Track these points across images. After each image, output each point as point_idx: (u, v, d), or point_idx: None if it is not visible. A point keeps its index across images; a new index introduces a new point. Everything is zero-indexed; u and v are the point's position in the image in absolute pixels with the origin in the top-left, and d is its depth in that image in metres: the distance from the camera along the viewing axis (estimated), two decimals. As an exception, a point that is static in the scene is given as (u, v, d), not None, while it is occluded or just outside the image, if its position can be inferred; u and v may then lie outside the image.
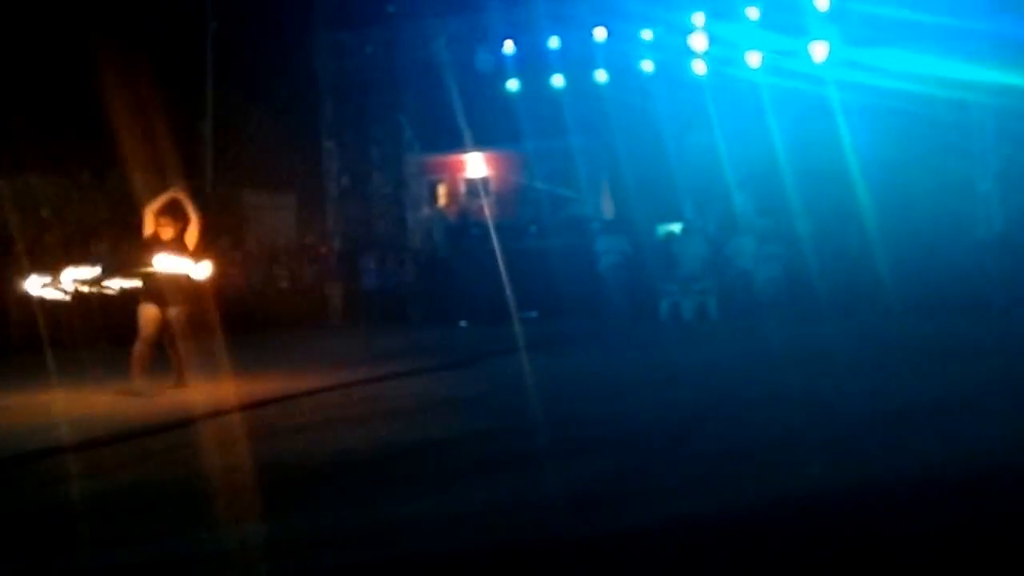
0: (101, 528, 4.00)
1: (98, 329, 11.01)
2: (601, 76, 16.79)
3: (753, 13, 15.21)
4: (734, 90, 15.57)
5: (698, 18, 15.56)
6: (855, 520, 3.70)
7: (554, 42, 16.72)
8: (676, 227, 16.61)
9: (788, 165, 14.68)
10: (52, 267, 8.24)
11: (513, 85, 17.30)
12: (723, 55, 15.57)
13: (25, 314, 12.58)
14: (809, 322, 12.50)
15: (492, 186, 19.69)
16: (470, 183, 19.73)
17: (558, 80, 17.06)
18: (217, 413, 6.88)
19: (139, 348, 7.92)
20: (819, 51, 14.69)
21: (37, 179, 14.84)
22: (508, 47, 16.99)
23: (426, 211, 19.39)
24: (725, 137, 15.81)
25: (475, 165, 19.71)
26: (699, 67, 15.88)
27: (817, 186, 14.44)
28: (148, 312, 7.93)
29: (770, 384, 7.38)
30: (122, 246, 12.15)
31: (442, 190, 20.00)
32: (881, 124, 14.08)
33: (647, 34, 16.07)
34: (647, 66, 16.39)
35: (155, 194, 8.34)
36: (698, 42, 15.55)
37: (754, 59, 15.24)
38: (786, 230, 14.73)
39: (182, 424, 6.48)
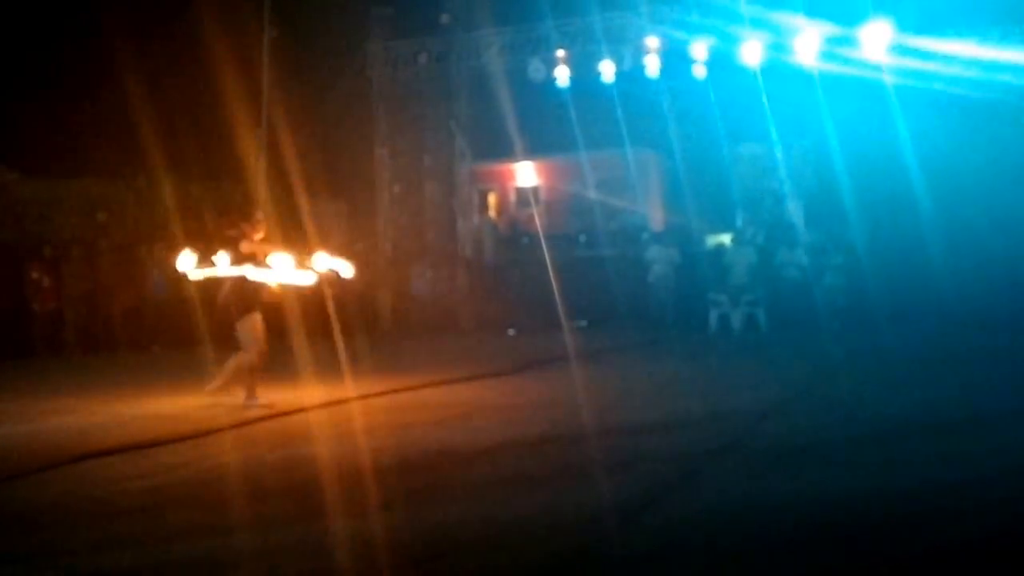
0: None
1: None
2: (653, 76, 16.67)
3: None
4: (785, 98, 15.35)
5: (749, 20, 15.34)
6: (906, 526, 3.72)
7: (606, 51, 16.68)
8: (726, 238, 16.45)
9: (843, 173, 14.46)
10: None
11: (565, 94, 17.29)
12: (775, 51, 15.30)
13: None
14: (863, 332, 12.29)
15: (542, 195, 19.71)
16: (521, 192, 19.77)
17: (610, 89, 17.00)
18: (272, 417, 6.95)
19: (255, 360, 7.54)
20: (874, 40, 14.25)
21: (93, 182, 15.16)
22: (561, 56, 17.01)
23: (476, 220, 19.46)
24: (778, 147, 15.64)
25: (526, 174, 19.75)
26: (750, 60, 15.56)
27: (872, 193, 14.19)
28: (259, 323, 7.61)
29: (820, 394, 7.32)
30: (178, 250, 12.33)
31: (493, 199, 20.07)
32: (939, 117, 13.71)
33: (700, 45, 15.95)
34: (699, 72, 16.26)
35: (211, 200, 8.34)
36: (750, 48, 15.35)
37: (807, 52, 14.86)
38: (840, 239, 14.50)
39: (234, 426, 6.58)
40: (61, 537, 4.05)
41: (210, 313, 7.81)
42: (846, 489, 4.28)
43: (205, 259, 7.58)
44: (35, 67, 15.85)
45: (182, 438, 6.19)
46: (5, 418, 7.35)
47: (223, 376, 7.65)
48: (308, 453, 5.70)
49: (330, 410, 7.32)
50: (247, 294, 7.52)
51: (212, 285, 7.77)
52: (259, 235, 7.66)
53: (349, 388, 8.24)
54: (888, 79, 14.03)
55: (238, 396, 7.57)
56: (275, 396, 7.73)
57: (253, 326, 7.50)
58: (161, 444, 6.00)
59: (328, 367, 9.15)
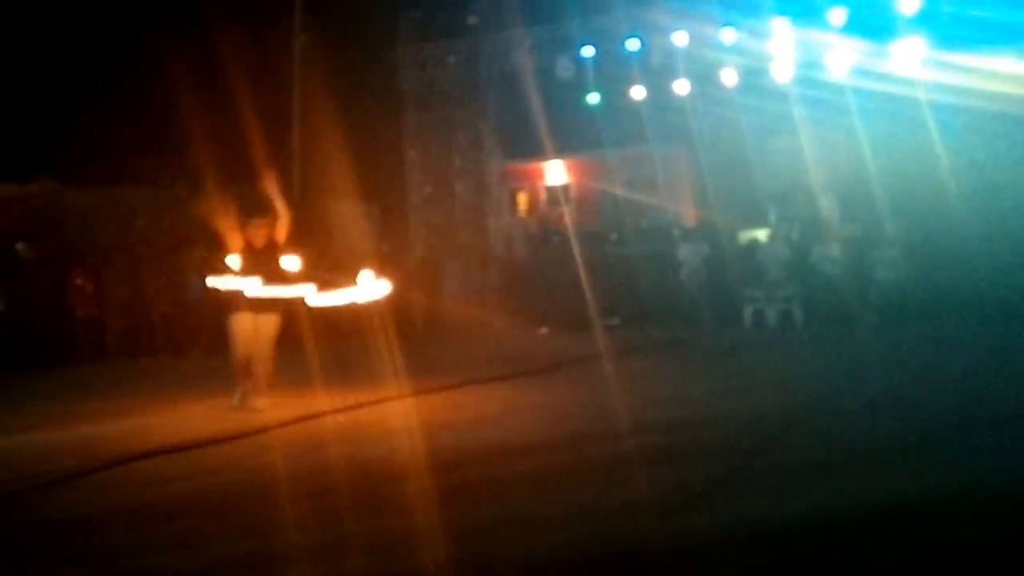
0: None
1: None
2: (682, 82, 16.70)
3: (838, 17, 14.92)
4: (820, 94, 15.29)
5: (780, 23, 15.33)
6: (940, 527, 3.71)
7: (635, 48, 16.69)
8: (759, 234, 16.35)
9: (876, 169, 14.35)
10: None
11: (593, 94, 17.33)
12: (806, 59, 15.31)
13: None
14: (901, 327, 12.18)
15: (572, 193, 19.74)
16: (551, 190, 19.82)
17: (639, 87, 17.01)
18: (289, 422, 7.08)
19: (235, 362, 7.75)
20: (907, 53, 14.30)
21: (133, 190, 15.46)
22: (588, 54, 17.03)
23: (507, 218, 19.53)
24: (810, 142, 15.53)
25: (556, 172, 19.79)
26: (782, 71, 15.63)
27: (906, 189, 14.08)
28: (238, 326, 7.73)
29: (858, 392, 7.26)
30: (214, 256, 12.54)
31: (523, 198, 20.14)
32: (970, 126, 13.64)
33: (729, 39, 15.92)
34: (729, 72, 16.23)
35: (245, 204, 8.33)
36: (780, 46, 15.32)
37: (840, 63, 14.92)
38: (876, 234, 14.39)
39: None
40: (108, 539, 4.14)
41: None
42: (883, 493, 4.24)
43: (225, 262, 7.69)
44: (76, 81, 16.20)
45: (225, 439, 6.31)
46: (52, 422, 7.53)
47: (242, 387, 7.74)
48: (346, 453, 5.78)
49: (366, 411, 7.40)
50: (226, 296, 7.63)
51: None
52: (264, 236, 7.71)
53: (384, 389, 8.32)
54: (922, 94, 13.99)
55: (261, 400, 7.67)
56: (310, 398, 7.85)
57: (231, 329, 7.65)
58: (204, 446, 6.11)
59: (363, 368, 9.27)
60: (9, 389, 10.35)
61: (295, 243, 7.94)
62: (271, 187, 7.88)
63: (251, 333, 7.61)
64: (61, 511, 4.68)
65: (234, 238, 7.78)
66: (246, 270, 7.59)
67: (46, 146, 15.01)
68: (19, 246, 13.23)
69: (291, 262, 7.75)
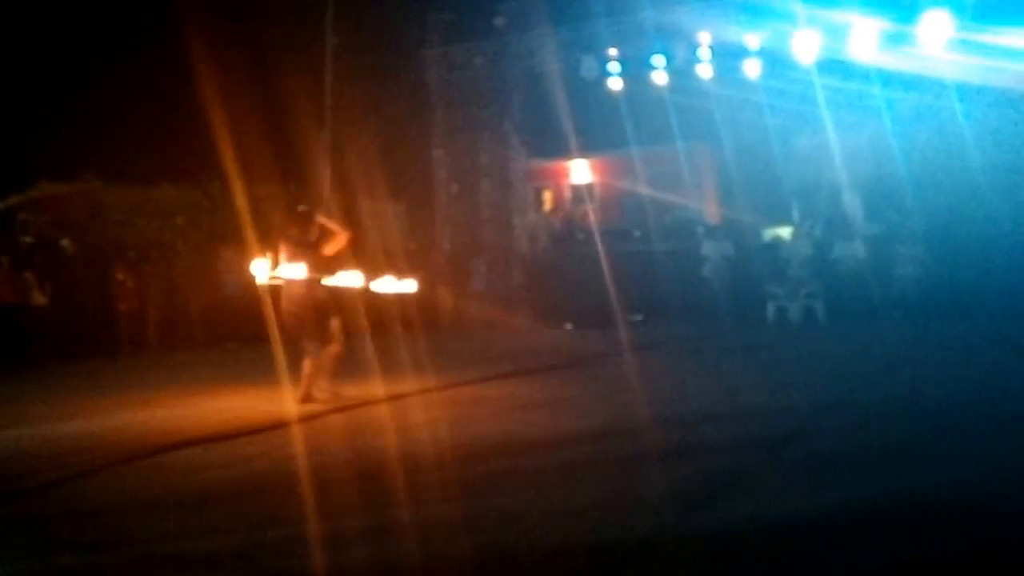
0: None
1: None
2: (706, 77, 16.78)
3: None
4: (845, 85, 15.28)
5: (802, 15, 15.29)
6: (967, 522, 3.68)
7: (659, 47, 16.83)
8: (784, 231, 16.46)
9: (901, 166, 14.38)
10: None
11: (617, 90, 17.48)
12: (830, 47, 15.20)
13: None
14: (925, 323, 12.18)
15: (597, 191, 19.92)
16: (575, 189, 20.01)
17: (662, 85, 17.15)
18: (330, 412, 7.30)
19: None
20: (932, 32, 13.95)
21: (172, 188, 15.89)
22: (613, 54, 17.19)
23: (532, 216, 19.76)
24: (834, 138, 15.58)
25: (580, 171, 19.97)
26: (805, 57, 15.53)
27: (931, 186, 14.09)
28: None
29: (879, 388, 7.23)
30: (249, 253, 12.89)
31: (547, 196, 20.35)
32: (998, 111, 13.55)
33: (752, 37, 15.99)
34: (753, 67, 16.30)
35: (280, 202, 8.50)
36: (804, 43, 15.32)
37: (864, 48, 14.76)
38: (900, 231, 14.45)
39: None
40: (145, 525, 4.20)
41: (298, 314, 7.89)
42: (906, 487, 4.20)
43: (273, 260, 7.77)
44: (117, 81, 16.63)
45: (258, 430, 6.43)
46: (93, 412, 7.65)
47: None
48: (375, 444, 5.87)
49: (395, 404, 7.51)
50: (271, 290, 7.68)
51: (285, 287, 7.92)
52: (315, 233, 7.80)
53: (412, 383, 8.45)
54: (948, 72, 13.86)
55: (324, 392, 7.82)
56: (340, 390, 7.96)
57: (285, 321, 7.73)
58: (239, 436, 6.23)
59: (391, 362, 9.46)
60: (51, 380, 10.72)
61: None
62: (325, 217, 7.97)
63: (304, 324, 7.74)
64: (97, 499, 4.74)
65: (280, 236, 7.90)
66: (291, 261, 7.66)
67: (88, 145, 15.45)
68: (63, 242, 13.70)
69: (336, 259, 7.87)
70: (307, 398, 7.65)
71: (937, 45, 13.93)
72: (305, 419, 6.92)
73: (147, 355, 13.17)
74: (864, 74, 14.82)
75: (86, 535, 4.10)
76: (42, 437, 6.63)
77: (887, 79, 14.65)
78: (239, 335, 13.37)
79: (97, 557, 3.75)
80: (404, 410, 7.25)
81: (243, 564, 3.59)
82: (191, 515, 4.35)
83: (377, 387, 8.18)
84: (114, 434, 6.55)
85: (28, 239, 13.59)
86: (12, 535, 4.23)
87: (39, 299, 12.63)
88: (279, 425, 6.67)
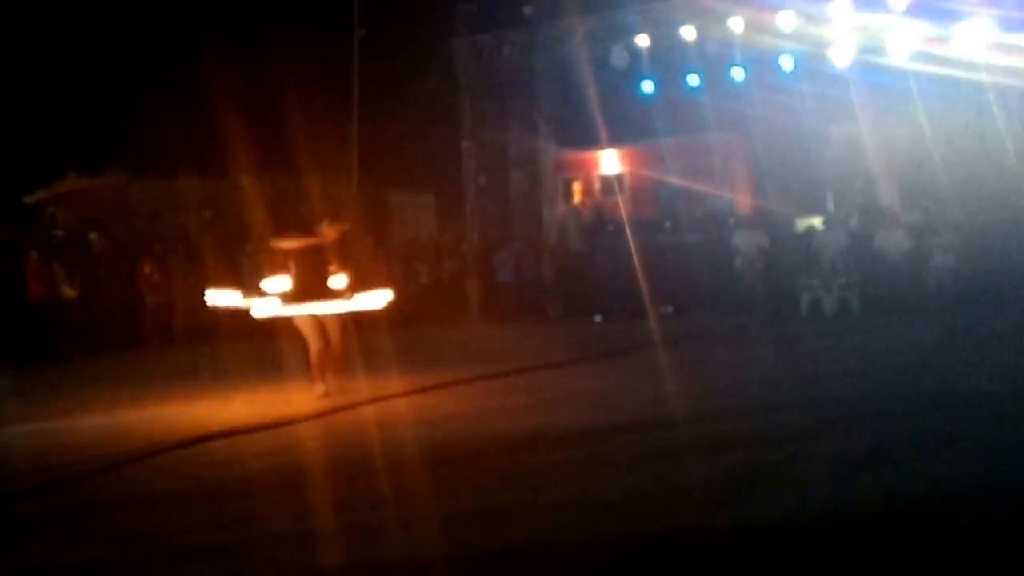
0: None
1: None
2: (738, 69, 16.57)
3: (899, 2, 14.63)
4: (880, 79, 15.04)
5: (840, 5, 15.09)
6: (991, 518, 3.65)
7: (690, 35, 16.61)
8: (817, 220, 16.16)
9: (937, 154, 14.10)
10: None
11: (648, 82, 17.29)
12: (868, 44, 15.04)
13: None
14: (962, 314, 11.95)
15: (627, 182, 19.71)
16: (605, 179, 19.82)
17: (694, 74, 16.93)
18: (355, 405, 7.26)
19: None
20: (971, 36, 13.95)
21: (198, 182, 15.95)
22: (643, 43, 16.99)
23: (561, 207, 19.61)
24: (869, 128, 15.30)
25: (610, 162, 19.78)
26: (841, 56, 15.39)
27: (968, 174, 13.80)
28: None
29: (914, 382, 7.11)
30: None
31: (577, 187, 20.18)
32: None
33: (787, 23, 15.73)
34: (786, 57, 16.05)
35: (306, 195, 8.47)
36: (840, 30, 15.08)
37: (901, 48, 14.60)
38: (936, 220, 14.14)
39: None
40: (172, 517, 4.26)
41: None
42: (939, 481, 4.17)
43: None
44: (143, 76, 16.73)
45: (285, 423, 6.49)
46: (120, 405, 7.80)
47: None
48: (405, 437, 5.89)
49: (424, 396, 7.54)
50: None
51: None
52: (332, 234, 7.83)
53: (441, 375, 8.45)
54: (985, 77, 13.65)
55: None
56: (371, 383, 8.02)
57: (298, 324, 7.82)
58: (268, 428, 6.29)
59: (421, 354, 9.44)
60: (80, 373, 10.83)
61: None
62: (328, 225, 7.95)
63: (317, 325, 7.77)
64: (123, 491, 4.82)
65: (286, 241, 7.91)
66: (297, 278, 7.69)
67: (116, 140, 15.54)
68: (91, 236, 13.77)
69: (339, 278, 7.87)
70: (325, 392, 7.68)
71: (975, 49, 13.78)
72: (333, 412, 6.95)
73: (174, 348, 13.21)
74: (900, 73, 14.60)
75: (118, 526, 4.18)
76: (72, 429, 6.76)
77: (924, 78, 14.41)
78: (266, 328, 13.34)
79: (131, 549, 3.82)
80: (434, 402, 7.30)
81: (280, 554, 3.65)
82: (214, 507, 4.40)
83: (406, 379, 8.20)
84: (140, 428, 6.65)
85: (58, 232, 13.68)
86: (46, 527, 4.30)
87: (68, 293, 12.71)
88: (306, 418, 6.71)
